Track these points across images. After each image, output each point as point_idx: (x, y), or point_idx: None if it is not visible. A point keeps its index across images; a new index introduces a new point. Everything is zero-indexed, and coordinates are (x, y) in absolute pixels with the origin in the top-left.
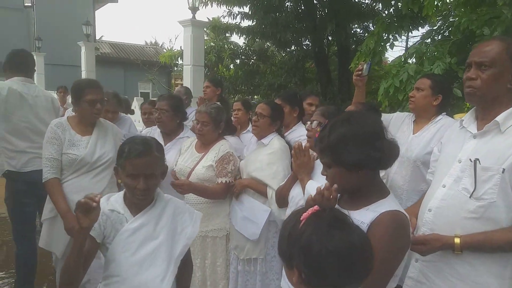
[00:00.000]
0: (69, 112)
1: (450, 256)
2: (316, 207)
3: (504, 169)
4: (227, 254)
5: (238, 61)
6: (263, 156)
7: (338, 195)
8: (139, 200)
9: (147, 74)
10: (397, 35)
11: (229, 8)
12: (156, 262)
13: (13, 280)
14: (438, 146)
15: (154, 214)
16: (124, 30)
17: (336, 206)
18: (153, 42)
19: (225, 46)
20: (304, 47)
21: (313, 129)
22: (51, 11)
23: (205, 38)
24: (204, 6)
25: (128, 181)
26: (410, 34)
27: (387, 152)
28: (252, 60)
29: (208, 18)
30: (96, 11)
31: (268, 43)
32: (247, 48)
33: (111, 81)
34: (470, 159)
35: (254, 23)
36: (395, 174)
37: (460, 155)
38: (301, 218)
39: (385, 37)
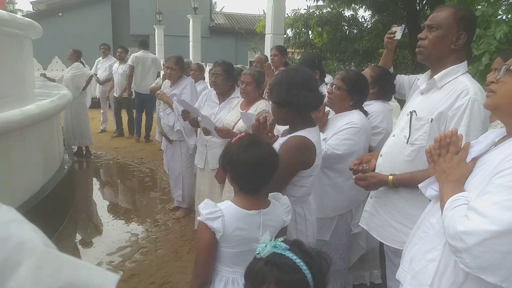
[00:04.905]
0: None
1: (390, 192)
2: (243, 133)
3: (432, 119)
4: None
5: (329, 27)
6: None
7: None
8: None
9: (250, 43)
10: None
11: None
12: None
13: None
14: None
15: None
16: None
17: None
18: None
19: (316, 13)
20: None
21: (333, 92)
22: None
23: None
24: None
25: None
26: None
27: (307, 101)
28: (345, 27)
29: None
30: None
31: (357, 9)
32: (338, 14)
33: (223, 50)
34: (409, 112)
35: None
36: None
37: (409, 109)
38: (232, 141)
39: None
